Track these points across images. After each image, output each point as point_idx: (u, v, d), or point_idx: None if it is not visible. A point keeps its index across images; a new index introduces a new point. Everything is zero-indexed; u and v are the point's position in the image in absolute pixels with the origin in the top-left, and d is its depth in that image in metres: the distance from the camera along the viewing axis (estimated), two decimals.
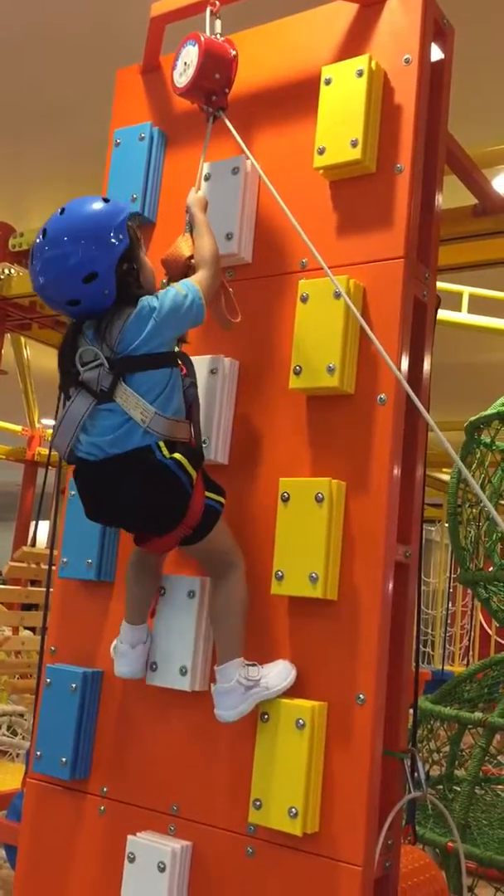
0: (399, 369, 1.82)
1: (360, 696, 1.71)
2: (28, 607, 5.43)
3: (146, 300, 1.75)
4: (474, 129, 2.98)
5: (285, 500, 1.83)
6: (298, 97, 2.05)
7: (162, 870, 1.81)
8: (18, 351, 6.65)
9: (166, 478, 1.72)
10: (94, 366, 1.73)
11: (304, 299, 1.90)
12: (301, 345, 1.88)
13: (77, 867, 2.02)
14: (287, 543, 1.81)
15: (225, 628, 1.82)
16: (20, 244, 4.74)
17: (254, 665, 1.79)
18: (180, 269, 1.90)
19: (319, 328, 1.86)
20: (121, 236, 1.73)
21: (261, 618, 1.87)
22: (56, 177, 5.10)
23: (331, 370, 1.82)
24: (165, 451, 1.72)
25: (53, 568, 2.25)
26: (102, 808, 2.01)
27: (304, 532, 1.78)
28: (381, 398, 1.81)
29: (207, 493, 1.79)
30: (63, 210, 1.75)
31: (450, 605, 11.91)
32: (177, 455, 1.73)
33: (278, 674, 1.78)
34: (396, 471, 1.80)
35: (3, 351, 5.37)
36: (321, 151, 1.93)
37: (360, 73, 1.90)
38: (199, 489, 1.77)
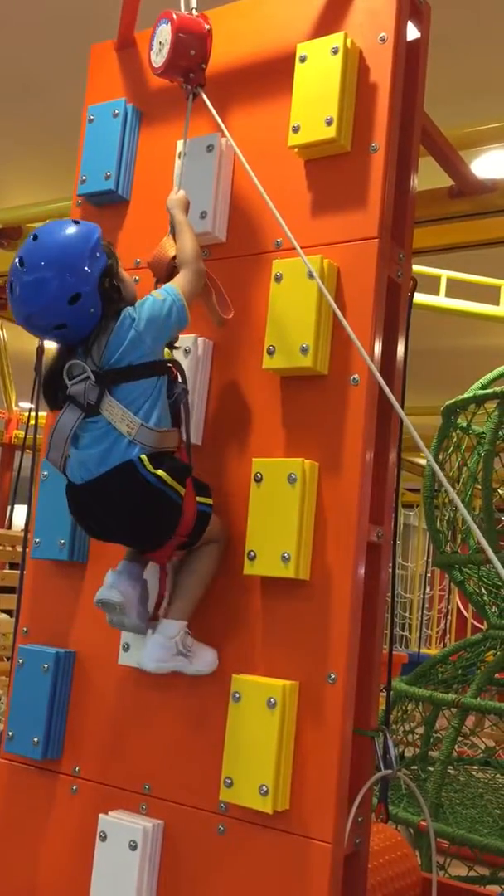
0: (372, 350, 1.82)
1: (331, 675, 1.72)
2: (4, 590, 5.41)
3: (127, 311, 1.77)
4: (451, 111, 2.97)
5: (258, 480, 1.82)
6: (274, 74, 2.03)
7: (133, 848, 1.81)
8: None
9: (153, 494, 1.73)
10: (80, 379, 1.74)
11: (278, 279, 1.89)
12: (275, 325, 1.88)
13: (49, 846, 2.02)
14: (259, 523, 1.81)
15: (187, 588, 1.84)
16: None
17: (188, 634, 1.82)
18: (165, 270, 1.90)
19: (293, 308, 1.85)
20: (97, 254, 1.75)
21: (233, 597, 1.87)
22: (30, 154, 5.04)
23: (304, 350, 1.82)
24: (149, 466, 1.72)
25: (28, 550, 2.24)
26: (74, 787, 2.01)
27: (277, 512, 1.78)
28: (354, 379, 1.81)
29: (198, 499, 1.80)
30: (35, 237, 1.75)
31: (427, 588, 12.00)
32: (160, 472, 1.73)
33: (205, 660, 1.83)
34: (369, 451, 1.80)
35: None
36: (296, 130, 1.92)
37: (335, 51, 1.88)
38: (189, 498, 1.78)
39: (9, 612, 5.48)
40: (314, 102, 1.90)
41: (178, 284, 1.83)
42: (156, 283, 1.91)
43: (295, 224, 1.91)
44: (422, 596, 11.82)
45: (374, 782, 1.79)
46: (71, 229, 1.75)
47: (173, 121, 2.14)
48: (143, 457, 1.72)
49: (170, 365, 1.83)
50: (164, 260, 1.91)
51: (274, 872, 1.71)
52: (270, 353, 1.87)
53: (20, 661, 2.10)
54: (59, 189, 4.36)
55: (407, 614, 11.92)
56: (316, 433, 1.84)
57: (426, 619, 11.98)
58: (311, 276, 1.80)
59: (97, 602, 1.84)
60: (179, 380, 1.85)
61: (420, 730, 3.89)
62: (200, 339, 2.00)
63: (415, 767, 3.71)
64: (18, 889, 2.04)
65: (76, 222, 1.78)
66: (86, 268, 1.72)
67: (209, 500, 1.83)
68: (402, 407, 1.97)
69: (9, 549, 4.62)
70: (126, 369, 1.74)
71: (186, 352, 1.98)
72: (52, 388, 1.81)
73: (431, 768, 3.55)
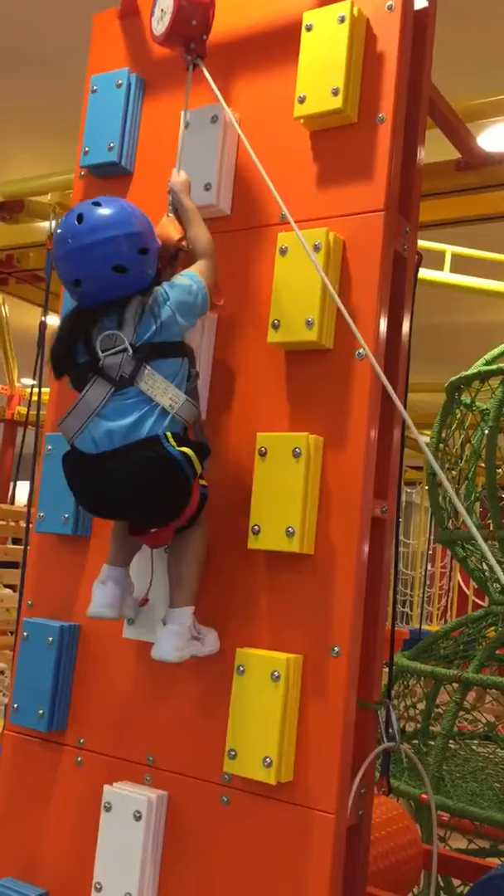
0: (378, 324, 1.81)
1: (335, 648, 1.72)
2: (7, 565, 5.44)
3: (160, 289, 1.77)
4: (459, 82, 2.94)
5: (262, 454, 1.82)
6: (279, 44, 2.00)
7: (138, 818, 1.83)
8: None
9: (172, 470, 1.71)
10: (115, 351, 1.71)
11: (283, 252, 1.88)
12: (279, 298, 1.87)
13: (54, 817, 2.04)
14: (264, 498, 1.80)
15: (186, 574, 1.83)
16: None
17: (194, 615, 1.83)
18: (169, 253, 1.88)
19: (298, 282, 1.84)
20: (154, 234, 1.79)
21: (237, 571, 1.87)
22: (33, 127, 5.00)
23: (309, 324, 1.80)
24: (174, 443, 1.71)
25: (31, 525, 2.24)
26: (79, 759, 2.03)
27: (281, 487, 1.78)
28: (359, 353, 1.80)
29: (200, 482, 1.80)
30: (105, 198, 1.76)
31: (429, 566, 12.04)
32: (186, 450, 1.72)
33: (212, 641, 1.85)
34: (374, 425, 1.79)
35: None
36: (301, 100, 1.90)
37: (341, 20, 1.86)
38: (196, 480, 1.77)
39: (12, 587, 5.51)
40: (320, 72, 1.87)
41: (200, 272, 1.83)
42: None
43: (300, 196, 1.89)
44: (423, 573, 11.86)
45: (377, 754, 1.80)
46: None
47: (177, 91, 2.11)
48: (169, 434, 1.71)
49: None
50: (168, 242, 1.87)
51: (277, 843, 1.72)
52: (275, 327, 1.86)
53: (25, 634, 2.10)
54: (61, 162, 4.33)
55: (408, 591, 11.97)
56: (321, 407, 1.83)
57: (427, 595, 12.03)
58: (317, 248, 1.79)
59: (89, 616, 1.86)
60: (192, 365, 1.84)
61: (421, 705, 3.91)
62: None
63: (416, 742, 3.74)
64: (25, 860, 2.06)
65: None
66: (153, 234, 1.77)
67: (206, 483, 1.82)
68: (407, 383, 1.97)
69: (11, 524, 4.63)
70: (161, 346, 1.74)
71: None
72: (68, 352, 1.76)
73: (432, 743, 3.57)
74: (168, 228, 1.89)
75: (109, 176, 2.22)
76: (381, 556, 1.84)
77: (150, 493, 1.74)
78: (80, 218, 1.70)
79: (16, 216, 4.80)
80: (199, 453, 1.75)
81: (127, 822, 1.84)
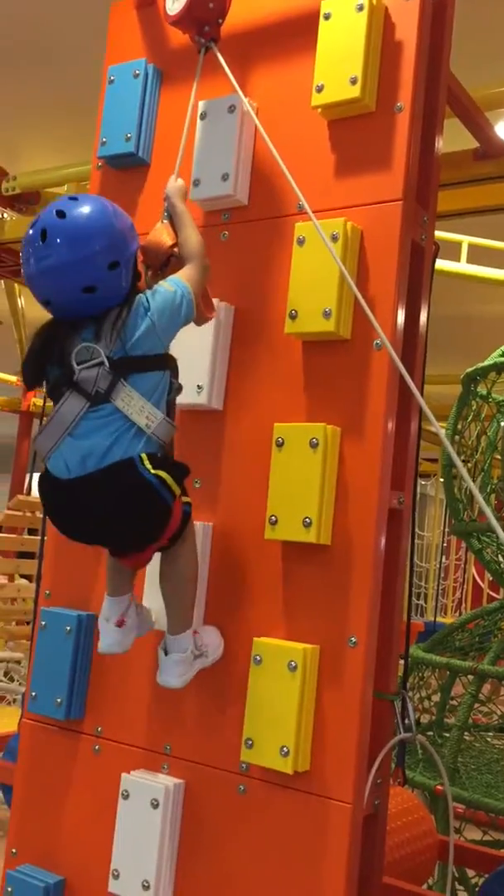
0: (395, 314, 1.80)
1: (352, 639, 1.73)
2: (24, 555, 5.47)
3: (140, 298, 1.68)
4: (478, 71, 2.91)
5: (280, 445, 1.82)
6: (297, 32, 1.99)
7: (155, 806, 1.84)
8: (12, 300, 6.60)
9: (148, 495, 1.63)
10: (91, 364, 1.62)
11: (301, 242, 1.87)
12: (297, 289, 1.86)
13: (72, 804, 2.06)
14: (281, 488, 1.81)
15: (179, 598, 1.79)
16: (13, 188, 4.66)
17: (195, 632, 1.81)
18: (161, 258, 1.83)
19: (316, 272, 1.84)
20: (133, 233, 1.70)
21: (254, 562, 1.87)
22: (49, 118, 5.00)
23: (327, 315, 1.80)
24: (149, 466, 1.62)
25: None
26: (97, 747, 2.04)
27: (299, 477, 1.78)
28: (377, 343, 1.80)
29: (183, 499, 1.73)
30: (74, 198, 1.64)
31: (443, 558, 12.01)
32: (162, 473, 1.63)
33: (215, 645, 1.84)
34: (391, 416, 1.79)
35: None
36: (319, 89, 1.89)
37: (360, 8, 1.85)
38: (177, 500, 1.69)
39: (29, 577, 5.55)
40: (338, 61, 1.86)
41: (186, 279, 1.74)
42: (146, 270, 1.83)
43: (318, 186, 1.89)
44: (438, 565, 11.83)
45: (393, 744, 1.80)
46: (109, 203, 1.68)
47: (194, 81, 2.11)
48: (144, 455, 1.63)
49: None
50: (160, 248, 1.82)
51: (294, 832, 1.73)
52: (293, 317, 1.86)
53: (43, 623, 2.12)
54: (75, 155, 4.33)
55: (423, 583, 11.95)
56: (338, 398, 1.83)
57: (442, 588, 12.01)
58: (335, 238, 1.78)
59: (100, 653, 1.85)
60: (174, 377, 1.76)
61: (436, 697, 3.91)
62: (222, 304, 1.98)
63: (431, 734, 3.74)
64: (43, 847, 2.08)
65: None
66: (126, 239, 1.65)
67: (189, 499, 1.77)
68: (423, 374, 1.96)
69: (28, 514, 4.65)
70: (140, 359, 1.65)
71: None
72: (40, 365, 1.68)
73: (447, 734, 3.58)
74: (161, 234, 1.84)
75: (127, 167, 2.22)
76: (398, 546, 1.84)
77: (125, 519, 1.66)
78: (43, 234, 1.58)
79: (32, 208, 4.81)
80: (176, 474, 1.67)
81: (144, 810, 1.85)
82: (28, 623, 5.17)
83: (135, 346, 1.65)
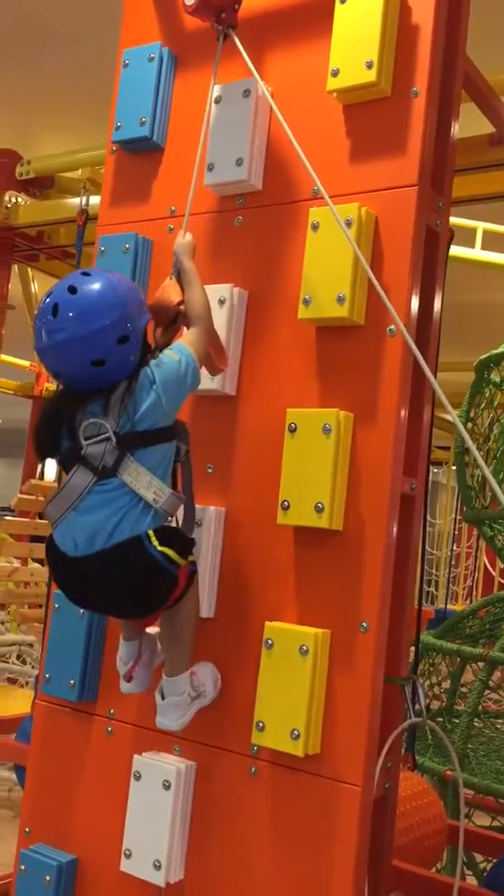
0: (409, 300, 1.80)
1: (364, 624, 1.73)
2: (37, 539, 5.50)
3: (146, 370, 1.70)
4: (494, 55, 2.88)
5: (292, 430, 1.82)
6: (313, 16, 1.98)
7: (167, 788, 1.86)
8: (26, 284, 6.60)
9: (155, 572, 1.66)
10: (99, 440, 1.65)
11: (315, 227, 1.87)
12: (311, 274, 1.86)
13: (84, 785, 2.08)
14: (293, 474, 1.81)
15: (179, 642, 1.81)
16: (27, 172, 4.66)
17: (192, 674, 1.83)
18: (168, 316, 1.85)
19: (330, 257, 1.83)
20: (144, 307, 1.72)
21: (266, 547, 1.88)
22: (63, 103, 4.99)
23: (340, 300, 1.80)
24: (156, 543, 1.65)
25: None
26: (109, 729, 2.06)
27: (311, 463, 1.79)
28: (390, 329, 1.80)
29: (189, 559, 1.74)
30: (88, 273, 1.67)
31: (454, 546, 12.00)
32: (168, 551, 1.65)
33: (211, 683, 1.86)
34: (404, 402, 1.79)
35: (9, 285, 5.31)
36: (335, 73, 1.88)
37: None
38: (184, 566, 1.71)
39: (41, 561, 5.58)
40: (354, 45, 1.86)
41: (190, 344, 1.77)
42: (154, 328, 1.84)
43: (332, 171, 1.88)
44: (449, 553, 11.82)
45: (404, 728, 1.81)
46: (120, 277, 1.71)
47: (209, 65, 2.09)
48: (151, 532, 1.65)
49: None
50: (168, 305, 1.84)
51: (304, 814, 1.75)
52: (306, 303, 1.86)
53: (56, 605, 2.14)
54: (89, 139, 4.33)
55: (434, 571, 11.95)
56: (351, 384, 1.83)
57: (453, 575, 12.00)
58: (349, 223, 1.78)
59: (124, 693, 1.89)
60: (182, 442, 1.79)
61: (446, 683, 3.92)
62: (235, 289, 1.99)
63: (440, 720, 3.75)
64: (56, 826, 2.11)
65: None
66: (136, 314, 1.68)
67: (194, 557, 1.78)
68: (437, 360, 1.96)
69: (41, 499, 4.68)
70: (145, 434, 1.67)
71: (221, 301, 1.97)
72: (53, 437, 1.71)
73: (457, 721, 3.59)
74: (169, 291, 1.85)
75: (141, 151, 2.22)
76: (410, 532, 1.84)
77: (133, 595, 1.70)
78: (55, 309, 1.61)
79: (46, 192, 4.81)
80: (183, 548, 1.70)
81: (156, 791, 1.87)
82: (40, 606, 5.21)
83: (140, 421, 1.67)
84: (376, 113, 1.87)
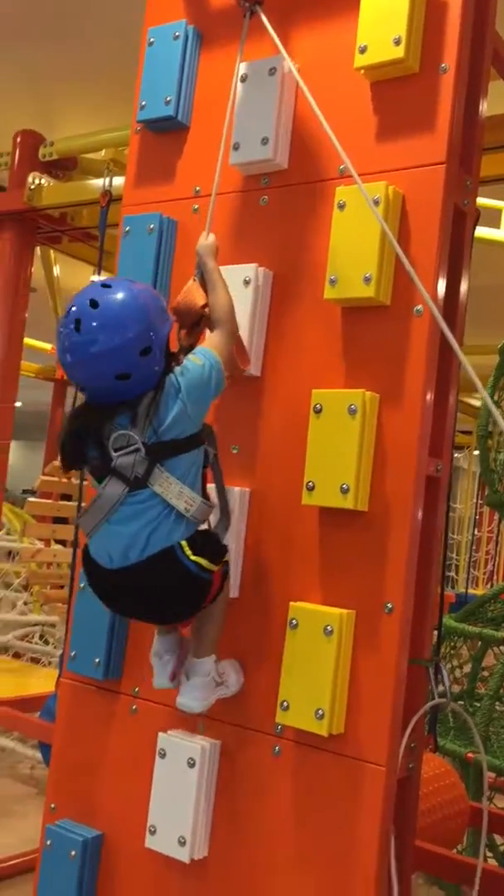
0: (436, 280, 1.78)
1: (389, 605, 1.73)
2: (60, 521, 5.54)
3: (171, 379, 1.70)
4: None
5: (318, 411, 1.82)
6: None
7: (192, 765, 1.87)
8: (48, 267, 6.60)
9: (189, 581, 1.69)
10: (129, 451, 1.65)
11: (342, 207, 1.85)
12: (337, 254, 1.85)
13: (109, 762, 2.10)
14: (319, 455, 1.81)
15: (207, 629, 1.83)
16: (50, 154, 4.66)
17: (217, 661, 1.85)
18: (193, 318, 1.85)
19: (356, 237, 1.82)
20: (166, 315, 1.71)
21: (291, 527, 1.88)
22: (87, 84, 4.97)
23: (367, 280, 1.79)
24: (189, 553, 1.68)
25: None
26: (134, 707, 2.08)
27: (337, 443, 1.78)
28: (417, 310, 1.78)
29: (223, 561, 1.77)
30: (108, 285, 1.65)
31: (475, 530, 11.97)
32: (201, 560, 1.68)
33: (235, 677, 1.88)
34: (430, 382, 1.78)
35: (32, 268, 5.31)
36: (363, 50, 1.86)
37: None
38: (217, 571, 1.74)
39: (63, 542, 5.62)
40: (382, 21, 1.83)
41: (215, 347, 1.77)
42: (179, 330, 1.84)
43: (360, 149, 1.87)
44: (470, 537, 11.79)
45: (428, 709, 1.81)
46: (141, 286, 1.69)
47: (234, 43, 2.08)
48: (184, 543, 1.68)
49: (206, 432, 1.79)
50: (192, 308, 1.84)
51: (328, 794, 1.75)
52: (332, 283, 1.85)
53: (81, 585, 2.15)
54: (113, 119, 4.31)
55: (454, 555, 11.92)
56: (377, 365, 1.82)
57: (473, 560, 11.98)
58: (376, 202, 1.76)
59: (156, 688, 1.89)
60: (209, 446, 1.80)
61: (467, 667, 3.92)
62: (261, 269, 1.98)
63: (462, 703, 3.75)
64: (82, 802, 2.13)
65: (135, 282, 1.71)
66: (158, 324, 1.67)
67: (227, 558, 1.79)
68: (462, 342, 1.94)
69: (63, 480, 4.70)
70: (173, 443, 1.68)
71: (246, 281, 1.96)
72: (79, 449, 1.71)
73: (478, 704, 3.58)
74: (193, 294, 1.85)
75: (166, 130, 2.21)
76: (435, 514, 1.84)
77: (169, 603, 1.74)
78: (77, 324, 1.61)
79: (69, 173, 4.80)
80: (215, 556, 1.73)
81: (181, 769, 1.89)
82: (62, 587, 5.25)
83: (167, 430, 1.67)
84: (404, 90, 1.85)
